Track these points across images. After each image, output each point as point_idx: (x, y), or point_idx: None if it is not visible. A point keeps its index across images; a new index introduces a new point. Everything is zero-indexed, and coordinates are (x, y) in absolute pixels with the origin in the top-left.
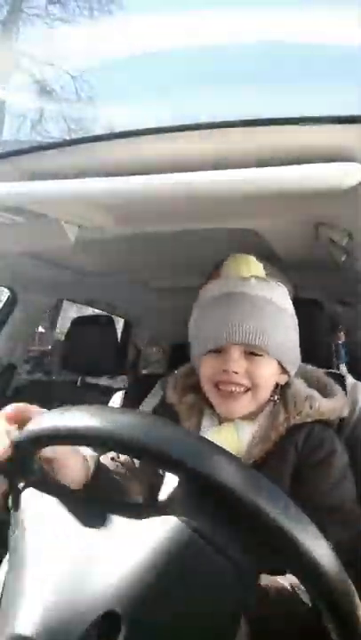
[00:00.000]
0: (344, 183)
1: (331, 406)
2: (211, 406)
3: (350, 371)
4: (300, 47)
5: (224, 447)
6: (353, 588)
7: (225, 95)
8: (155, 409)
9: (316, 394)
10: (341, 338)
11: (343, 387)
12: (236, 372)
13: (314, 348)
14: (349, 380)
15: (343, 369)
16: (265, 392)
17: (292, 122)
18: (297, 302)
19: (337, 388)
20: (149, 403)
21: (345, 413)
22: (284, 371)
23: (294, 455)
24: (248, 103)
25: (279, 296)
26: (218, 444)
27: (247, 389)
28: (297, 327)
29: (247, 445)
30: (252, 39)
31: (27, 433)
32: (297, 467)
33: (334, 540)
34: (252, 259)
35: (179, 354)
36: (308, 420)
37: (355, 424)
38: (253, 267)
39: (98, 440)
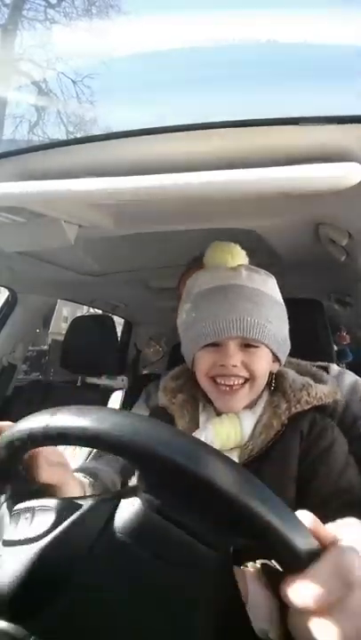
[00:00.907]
0: (344, 183)
1: (326, 390)
2: (205, 400)
3: (351, 370)
4: (300, 47)
5: (228, 437)
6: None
7: (225, 95)
8: (151, 414)
9: (310, 381)
10: (346, 339)
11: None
12: (235, 366)
13: (314, 348)
14: (334, 367)
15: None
16: (262, 382)
17: (291, 122)
18: (297, 302)
19: (326, 375)
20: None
21: (339, 397)
22: (275, 359)
23: (299, 443)
24: (248, 103)
25: (271, 287)
26: (221, 434)
27: (245, 381)
28: (286, 316)
29: (250, 435)
30: (252, 39)
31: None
32: (302, 454)
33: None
34: (236, 246)
35: (179, 354)
36: (308, 406)
37: (342, 409)
38: (237, 255)
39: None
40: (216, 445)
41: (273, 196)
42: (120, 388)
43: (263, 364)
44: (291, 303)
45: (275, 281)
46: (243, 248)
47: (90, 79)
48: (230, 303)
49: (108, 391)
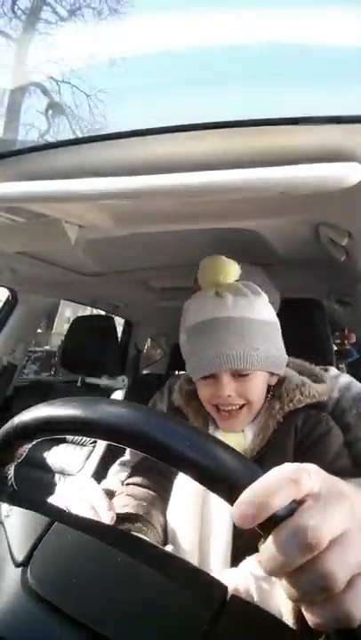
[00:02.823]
0: (344, 183)
1: (321, 389)
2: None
3: (353, 368)
4: (300, 47)
5: (232, 444)
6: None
7: (225, 95)
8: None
9: (307, 380)
10: (353, 338)
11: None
12: (230, 395)
13: (314, 348)
14: (333, 370)
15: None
16: (258, 403)
17: (291, 122)
18: (297, 302)
19: (326, 375)
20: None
21: (335, 395)
22: (273, 373)
23: (294, 436)
24: (248, 103)
25: (258, 309)
26: (228, 441)
27: (242, 406)
28: (279, 329)
29: (252, 438)
30: (251, 39)
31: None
32: (297, 445)
33: None
34: (228, 261)
35: (179, 354)
36: (302, 405)
37: (334, 403)
38: (229, 273)
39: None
40: None
41: (273, 196)
42: (120, 388)
43: (257, 388)
44: (291, 303)
45: (264, 298)
46: (243, 248)
47: (103, 95)
48: (217, 338)
49: (109, 391)
